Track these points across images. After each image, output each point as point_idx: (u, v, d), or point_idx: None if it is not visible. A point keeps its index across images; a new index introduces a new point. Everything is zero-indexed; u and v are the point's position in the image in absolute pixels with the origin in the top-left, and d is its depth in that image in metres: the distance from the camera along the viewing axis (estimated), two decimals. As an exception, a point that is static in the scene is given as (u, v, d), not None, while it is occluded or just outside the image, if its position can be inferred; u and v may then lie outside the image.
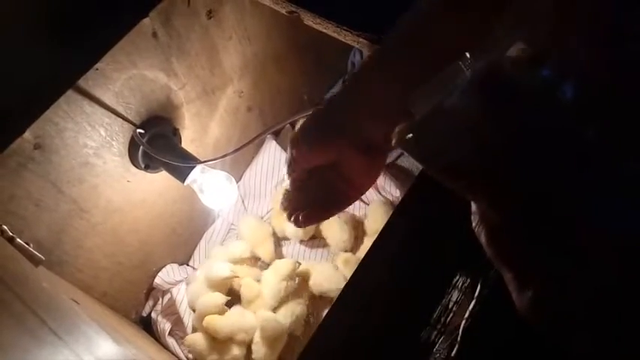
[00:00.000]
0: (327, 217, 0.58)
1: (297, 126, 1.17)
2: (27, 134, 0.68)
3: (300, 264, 0.99)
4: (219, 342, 0.94)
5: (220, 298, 0.95)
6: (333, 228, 1.03)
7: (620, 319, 0.29)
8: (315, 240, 1.08)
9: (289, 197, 0.57)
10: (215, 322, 0.93)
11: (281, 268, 0.97)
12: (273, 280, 0.97)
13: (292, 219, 0.57)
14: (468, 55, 0.33)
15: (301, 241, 1.08)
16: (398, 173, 1.15)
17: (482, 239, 0.33)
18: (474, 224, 0.34)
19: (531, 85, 0.29)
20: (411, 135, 0.32)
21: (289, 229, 1.06)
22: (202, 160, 0.85)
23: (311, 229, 1.06)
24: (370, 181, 0.55)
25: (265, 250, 1.05)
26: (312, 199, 0.56)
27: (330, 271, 0.99)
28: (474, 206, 0.33)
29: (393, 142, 0.32)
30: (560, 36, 0.30)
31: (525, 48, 0.29)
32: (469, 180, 0.31)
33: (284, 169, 1.13)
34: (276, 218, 1.08)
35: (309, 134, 0.51)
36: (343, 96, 0.51)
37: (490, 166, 0.30)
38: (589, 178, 0.28)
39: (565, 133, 0.28)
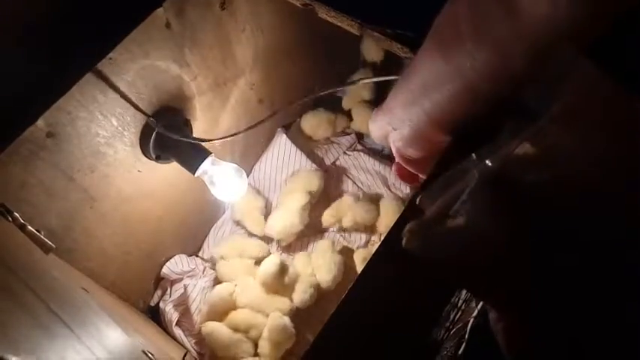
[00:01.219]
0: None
1: (301, 119, 1.17)
2: (40, 122, 0.68)
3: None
4: (234, 334, 0.95)
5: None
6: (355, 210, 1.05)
7: None
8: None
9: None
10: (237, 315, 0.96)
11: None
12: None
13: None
14: (474, 155, 0.33)
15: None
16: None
17: (500, 340, 0.33)
18: (491, 323, 0.34)
19: (537, 187, 0.29)
20: (416, 236, 0.33)
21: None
22: (212, 152, 0.85)
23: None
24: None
25: (253, 222, 1.07)
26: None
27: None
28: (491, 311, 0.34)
29: (403, 242, 0.34)
30: (566, 140, 0.29)
31: (531, 147, 0.30)
32: (477, 282, 0.31)
33: (293, 165, 1.14)
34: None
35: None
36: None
37: (493, 269, 0.30)
38: (597, 283, 0.28)
39: (570, 235, 0.28)
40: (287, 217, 1.03)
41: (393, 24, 0.69)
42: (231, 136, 0.78)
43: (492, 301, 0.32)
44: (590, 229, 0.28)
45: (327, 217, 1.07)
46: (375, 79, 0.79)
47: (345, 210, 1.06)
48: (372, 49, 0.99)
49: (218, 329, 0.94)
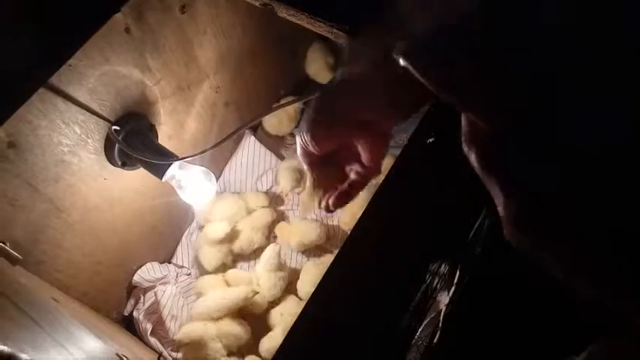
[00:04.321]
0: (352, 199, 0.59)
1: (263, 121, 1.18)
2: (0, 133, 0.67)
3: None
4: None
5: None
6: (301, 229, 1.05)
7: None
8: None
9: (317, 184, 0.58)
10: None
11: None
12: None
13: (322, 205, 0.58)
14: None
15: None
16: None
17: (472, 156, 0.33)
18: (463, 142, 0.34)
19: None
20: (410, 46, 0.32)
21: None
22: (180, 156, 0.84)
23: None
24: (379, 155, 0.56)
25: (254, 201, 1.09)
26: (334, 184, 0.58)
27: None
28: (464, 124, 0.33)
29: (394, 52, 0.33)
30: None
31: None
32: (463, 90, 0.31)
33: (263, 165, 1.14)
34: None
35: (311, 126, 0.52)
36: (334, 86, 0.52)
37: (485, 76, 0.30)
38: (571, 92, 0.29)
39: (552, 49, 0.29)
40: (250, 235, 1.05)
41: (354, 19, 0.70)
42: (202, 153, 0.79)
43: (475, 111, 0.32)
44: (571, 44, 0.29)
45: (278, 229, 1.07)
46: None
47: (292, 232, 1.05)
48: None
49: (194, 329, 0.94)
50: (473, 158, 0.33)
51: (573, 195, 0.30)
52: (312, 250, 1.06)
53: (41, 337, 0.33)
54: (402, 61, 0.32)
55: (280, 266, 0.98)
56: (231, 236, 1.05)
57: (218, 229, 1.03)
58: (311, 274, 0.98)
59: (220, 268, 1.04)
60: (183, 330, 0.94)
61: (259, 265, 0.99)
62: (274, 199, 1.14)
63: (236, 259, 1.07)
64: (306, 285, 0.98)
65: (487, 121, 0.31)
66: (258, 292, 0.97)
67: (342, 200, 0.58)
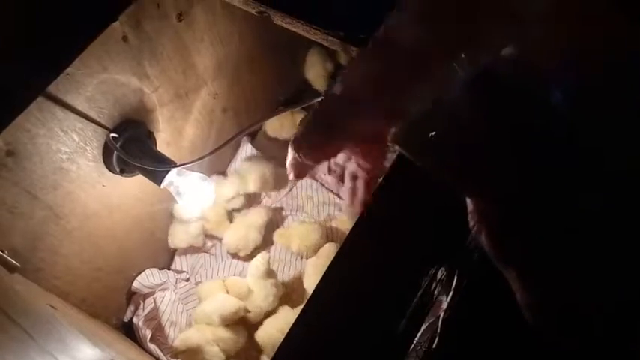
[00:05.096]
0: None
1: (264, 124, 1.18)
2: (-2, 141, 0.67)
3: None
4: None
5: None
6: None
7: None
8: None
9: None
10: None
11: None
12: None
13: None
14: (463, 55, 0.34)
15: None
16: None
17: (483, 239, 0.33)
18: (471, 224, 0.35)
19: (524, 86, 0.30)
20: (405, 133, 0.33)
21: None
22: (178, 163, 0.85)
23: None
24: (379, 163, 0.56)
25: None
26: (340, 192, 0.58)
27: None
28: (470, 205, 0.34)
29: (389, 139, 0.34)
30: (552, 37, 0.30)
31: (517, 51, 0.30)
32: (461, 176, 0.32)
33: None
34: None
35: (309, 137, 0.52)
36: (333, 95, 0.51)
37: (480, 163, 0.31)
38: (575, 174, 0.29)
39: (554, 131, 0.29)
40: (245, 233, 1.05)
41: (350, 27, 0.70)
42: (200, 159, 0.79)
43: (478, 197, 0.32)
44: (571, 122, 0.29)
45: (277, 236, 1.07)
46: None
47: (292, 235, 1.05)
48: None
49: (190, 336, 0.94)
50: (483, 240, 0.33)
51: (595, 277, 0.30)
52: (312, 254, 1.06)
53: (32, 348, 0.33)
54: (396, 147, 0.33)
55: (270, 273, 0.98)
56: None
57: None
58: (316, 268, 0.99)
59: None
60: (181, 337, 0.94)
61: (248, 276, 0.99)
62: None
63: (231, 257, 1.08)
64: (312, 279, 0.99)
65: (482, 204, 0.32)
66: (249, 311, 0.97)
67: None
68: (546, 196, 0.30)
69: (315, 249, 1.04)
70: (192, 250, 1.09)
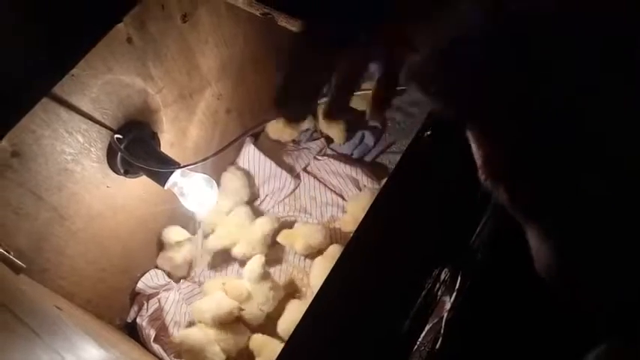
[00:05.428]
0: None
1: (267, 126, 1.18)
2: (4, 142, 0.67)
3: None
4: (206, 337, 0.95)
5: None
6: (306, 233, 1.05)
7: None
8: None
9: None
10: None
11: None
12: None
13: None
14: None
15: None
16: (377, 171, 1.17)
17: (492, 187, 0.32)
18: (483, 178, 0.33)
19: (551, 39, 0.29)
20: (419, 66, 0.31)
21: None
22: (182, 163, 0.85)
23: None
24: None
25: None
26: None
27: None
28: (479, 157, 0.33)
29: (403, 75, 0.32)
30: None
31: None
32: (470, 116, 0.31)
33: (263, 172, 1.15)
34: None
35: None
36: None
37: (493, 106, 0.30)
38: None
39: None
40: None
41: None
42: (204, 160, 0.80)
43: (488, 138, 0.31)
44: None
45: (281, 237, 1.07)
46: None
47: (296, 236, 1.06)
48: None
49: (192, 333, 0.94)
50: (492, 187, 0.32)
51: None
52: (315, 255, 1.06)
53: (39, 346, 0.34)
54: (408, 81, 0.32)
55: (266, 275, 0.98)
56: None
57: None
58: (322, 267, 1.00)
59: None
60: (181, 334, 0.94)
61: (244, 279, 0.99)
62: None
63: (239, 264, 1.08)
64: (318, 279, 0.99)
65: (491, 149, 0.31)
66: (243, 309, 0.97)
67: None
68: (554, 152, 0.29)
69: (319, 249, 1.04)
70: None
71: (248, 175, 1.17)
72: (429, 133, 0.72)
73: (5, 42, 0.73)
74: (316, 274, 1.00)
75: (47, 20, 0.74)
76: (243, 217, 1.08)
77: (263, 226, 1.06)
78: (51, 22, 0.74)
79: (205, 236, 1.09)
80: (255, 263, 0.97)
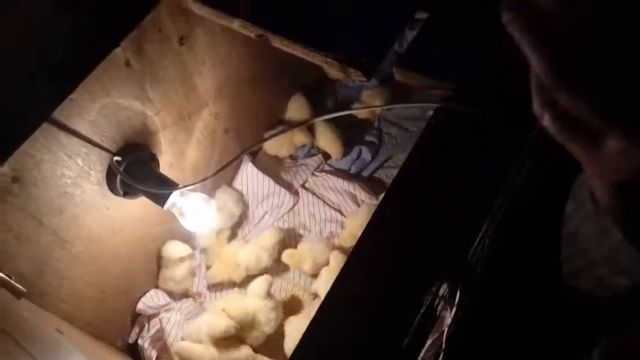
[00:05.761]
0: None
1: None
2: (4, 168, 0.68)
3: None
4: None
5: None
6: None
7: None
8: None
9: None
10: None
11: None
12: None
13: None
14: None
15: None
16: (375, 186, 1.17)
17: (546, 118, 0.31)
18: (535, 106, 0.32)
19: None
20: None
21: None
22: (181, 183, 0.86)
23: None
24: None
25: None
26: None
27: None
28: (535, 85, 0.31)
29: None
30: None
31: None
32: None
33: (261, 190, 1.15)
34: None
35: None
36: None
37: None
38: None
39: None
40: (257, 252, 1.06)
41: (348, 50, 0.71)
42: (202, 181, 0.81)
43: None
44: None
45: (287, 257, 1.06)
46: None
47: (304, 256, 1.05)
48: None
49: (188, 347, 0.94)
50: (547, 121, 0.31)
51: None
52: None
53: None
54: None
55: (269, 296, 0.98)
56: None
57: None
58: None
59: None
60: (176, 346, 0.94)
61: (248, 296, 0.99)
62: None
63: (244, 278, 1.07)
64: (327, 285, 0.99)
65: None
66: (238, 328, 0.96)
67: None
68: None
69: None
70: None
71: (240, 193, 1.17)
72: (437, 117, 0.73)
73: (4, 68, 0.74)
74: (323, 280, 1.01)
75: (46, 45, 0.75)
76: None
77: (270, 236, 1.06)
78: (50, 47, 0.75)
79: (203, 251, 1.09)
80: (263, 283, 0.97)
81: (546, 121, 0.31)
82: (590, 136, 0.30)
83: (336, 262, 1.01)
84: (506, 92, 0.67)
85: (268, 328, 0.97)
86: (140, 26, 0.78)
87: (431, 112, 0.72)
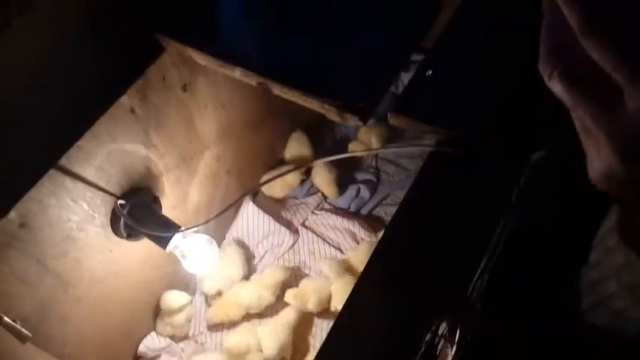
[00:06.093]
0: None
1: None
2: (12, 214, 0.70)
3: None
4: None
5: None
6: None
7: None
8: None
9: None
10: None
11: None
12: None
13: None
14: None
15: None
16: (374, 223, 1.19)
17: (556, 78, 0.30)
18: (541, 63, 0.31)
19: None
20: None
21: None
22: (183, 224, 0.88)
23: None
24: None
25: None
26: None
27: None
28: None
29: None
30: None
31: None
32: None
33: (262, 229, 1.17)
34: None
35: None
36: None
37: None
38: None
39: None
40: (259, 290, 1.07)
41: (345, 95, 0.74)
42: (205, 223, 0.83)
43: None
44: None
45: (290, 297, 1.04)
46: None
47: (308, 294, 1.04)
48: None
49: None
50: (556, 79, 0.30)
51: None
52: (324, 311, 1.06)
53: None
54: None
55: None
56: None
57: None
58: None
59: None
60: None
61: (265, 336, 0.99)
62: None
63: (245, 316, 1.08)
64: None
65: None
66: None
67: None
68: None
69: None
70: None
71: (245, 247, 1.17)
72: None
73: (12, 114, 0.76)
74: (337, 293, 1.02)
75: (55, 93, 0.78)
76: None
77: (273, 274, 1.06)
78: (58, 95, 0.78)
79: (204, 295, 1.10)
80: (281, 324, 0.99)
81: (555, 78, 0.31)
82: (605, 95, 0.30)
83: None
84: (502, 135, 0.70)
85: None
86: (145, 75, 0.81)
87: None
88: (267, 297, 1.05)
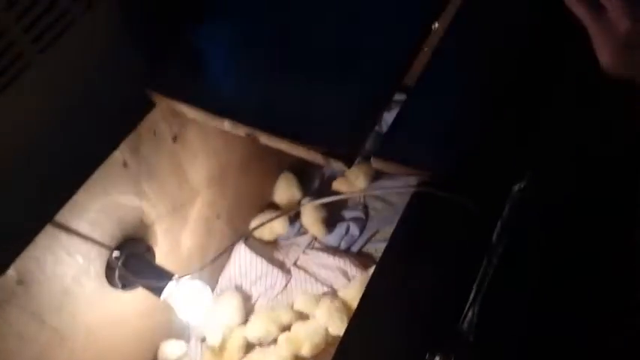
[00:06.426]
0: None
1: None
2: (10, 272, 0.71)
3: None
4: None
5: None
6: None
7: None
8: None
9: None
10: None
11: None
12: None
13: None
14: None
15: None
16: (365, 260, 1.21)
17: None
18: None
19: None
20: None
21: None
22: (177, 271, 0.89)
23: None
24: None
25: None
26: None
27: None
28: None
29: None
30: None
31: None
32: None
33: (254, 272, 1.18)
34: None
35: None
36: None
37: None
38: None
39: None
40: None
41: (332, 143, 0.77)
42: (198, 270, 0.85)
43: None
44: None
45: (283, 342, 1.05)
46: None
47: (301, 340, 1.04)
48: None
49: None
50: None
51: None
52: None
53: None
54: None
55: None
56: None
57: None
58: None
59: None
60: None
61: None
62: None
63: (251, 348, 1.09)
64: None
65: None
66: None
67: None
68: None
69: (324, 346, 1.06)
70: None
71: (240, 291, 1.19)
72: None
73: (9, 173, 0.78)
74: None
75: (48, 151, 0.79)
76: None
77: (281, 316, 1.08)
78: (52, 153, 0.79)
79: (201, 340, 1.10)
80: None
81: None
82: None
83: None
84: (483, 177, 0.73)
85: None
86: (136, 130, 0.84)
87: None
88: (275, 331, 1.07)
